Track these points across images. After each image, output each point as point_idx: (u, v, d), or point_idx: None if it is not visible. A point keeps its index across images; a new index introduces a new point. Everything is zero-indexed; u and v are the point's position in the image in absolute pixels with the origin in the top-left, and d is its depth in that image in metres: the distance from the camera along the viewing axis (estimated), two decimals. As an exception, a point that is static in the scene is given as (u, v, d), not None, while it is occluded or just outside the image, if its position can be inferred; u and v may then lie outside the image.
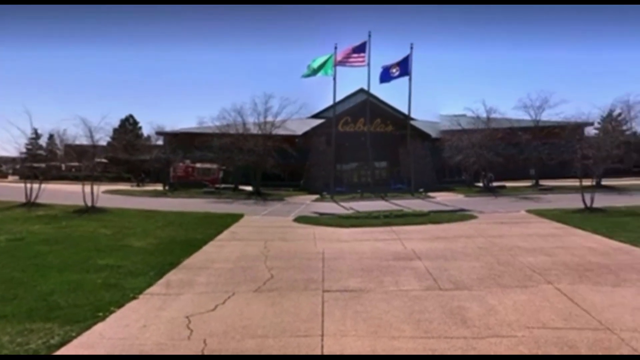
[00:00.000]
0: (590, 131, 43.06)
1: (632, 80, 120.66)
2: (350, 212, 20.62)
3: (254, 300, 6.76)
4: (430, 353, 4.72)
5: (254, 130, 37.54)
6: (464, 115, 42.53)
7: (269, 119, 37.81)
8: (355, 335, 5.21)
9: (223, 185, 35.80)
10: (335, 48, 34.23)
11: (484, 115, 39.03)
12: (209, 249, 11.25)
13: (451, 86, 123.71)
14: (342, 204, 26.68)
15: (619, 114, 42.45)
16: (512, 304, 6.22)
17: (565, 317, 5.59)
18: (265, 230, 14.93)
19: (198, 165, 40.81)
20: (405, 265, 8.93)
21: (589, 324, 5.33)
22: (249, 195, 33.54)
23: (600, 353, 4.52)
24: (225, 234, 13.78)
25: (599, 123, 42.95)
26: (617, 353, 4.51)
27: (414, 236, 12.74)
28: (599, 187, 25.29)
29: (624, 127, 41.85)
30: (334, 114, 37.60)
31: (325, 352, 4.81)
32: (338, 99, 39.53)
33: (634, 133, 42.48)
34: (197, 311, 6.18)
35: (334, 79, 34.71)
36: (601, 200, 18.70)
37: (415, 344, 4.93)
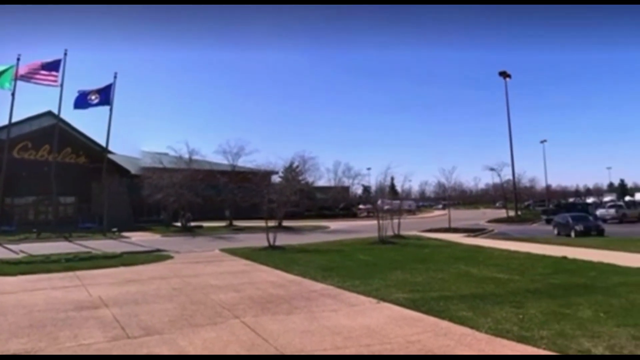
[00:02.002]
0: (276, 179, 50.09)
1: (307, 140, 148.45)
2: (20, 256, 17.02)
3: None
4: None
5: None
6: (166, 154, 42.49)
7: None
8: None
9: None
10: (18, 59, 28.96)
11: (187, 155, 40.11)
12: None
13: (155, 123, 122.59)
14: (10, 246, 21.88)
15: (297, 166, 51.05)
16: (201, 342, 6.24)
17: (248, 348, 5.97)
18: None
19: None
20: (88, 315, 7.85)
21: (268, 351, 5.85)
22: None
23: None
24: None
25: (282, 172, 50.40)
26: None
27: (102, 281, 11.50)
28: (280, 228, 29.25)
29: (300, 177, 50.51)
30: (8, 137, 31.04)
31: None
32: (17, 118, 33.14)
33: (307, 182, 51.76)
34: None
35: (13, 94, 29.08)
36: (282, 239, 21.60)
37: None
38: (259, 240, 21.77)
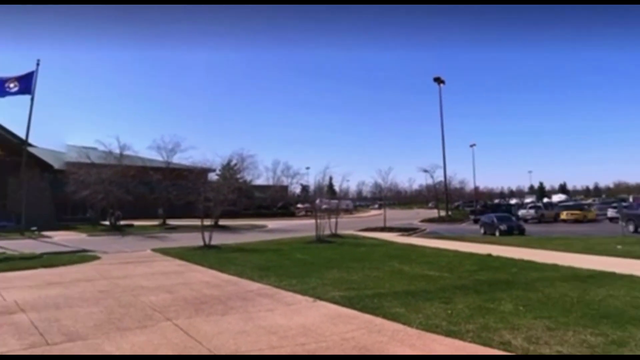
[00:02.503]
0: (213, 176, 48.90)
1: (246, 138, 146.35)
2: None
3: None
4: None
5: None
6: (95, 149, 40.24)
7: None
8: None
9: None
10: None
11: (117, 150, 38.14)
12: None
13: (83, 115, 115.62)
14: None
15: (235, 164, 50.13)
16: (130, 347, 5.94)
17: (180, 350, 5.77)
18: None
19: None
20: (2, 321, 7.22)
21: (200, 352, 5.69)
22: None
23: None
24: None
25: (220, 170, 49.27)
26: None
27: (19, 284, 10.64)
28: (216, 227, 28.65)
29: (238, 175, 49.65)
30: None
31: None
32: None
33: (245, 181, 51.00)
34: None
35: None
36: (218, 238, 21.14)
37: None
38: (194, 240, 21.17)
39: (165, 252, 17.61)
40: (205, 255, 16.40)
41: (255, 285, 10.52)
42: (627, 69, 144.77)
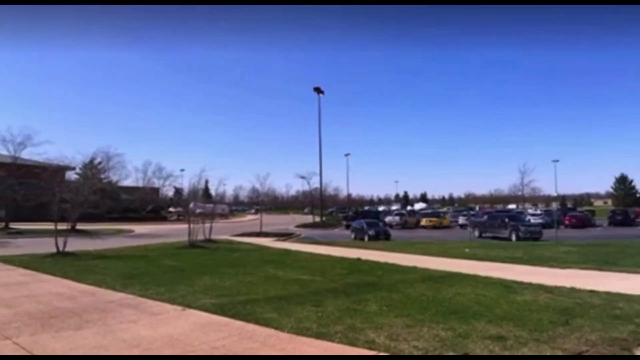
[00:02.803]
0: (72, 176, 43.96)
1: (114, 135, 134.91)
2: None
3: None
4: None
5: None
6: None
7: None
8: None
9: None
10: None
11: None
12: None
13: None
14: None
15: (100, 163, 45.77)
16: (-49, 374, 5.00)
17: (20, 375, 5.02)
18: None
19: None
20: None
21: (46, 376, 5.01)
22: None
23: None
24: None
25: (80, 169, 44.51)
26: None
27: None
28: (74, 231, 25.81)
29: (103, 175, 45.40)
30: None
31: None
32: None
33: (110, 182, 46.86)
34: None
35: None
36: (75, 244, 19.06)
37: None
38: (44, 246, 18.78)
39: (7, 260, 15.34)
40: (57, 264, 14.65)
41: (117, 296, 9.66)
42: (479, 91, 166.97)
